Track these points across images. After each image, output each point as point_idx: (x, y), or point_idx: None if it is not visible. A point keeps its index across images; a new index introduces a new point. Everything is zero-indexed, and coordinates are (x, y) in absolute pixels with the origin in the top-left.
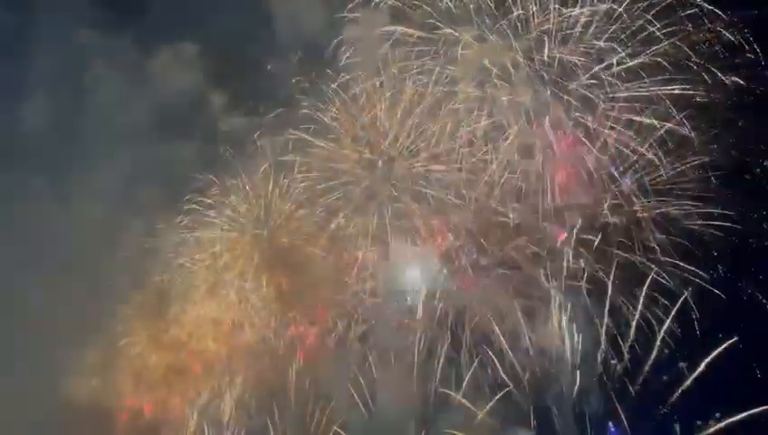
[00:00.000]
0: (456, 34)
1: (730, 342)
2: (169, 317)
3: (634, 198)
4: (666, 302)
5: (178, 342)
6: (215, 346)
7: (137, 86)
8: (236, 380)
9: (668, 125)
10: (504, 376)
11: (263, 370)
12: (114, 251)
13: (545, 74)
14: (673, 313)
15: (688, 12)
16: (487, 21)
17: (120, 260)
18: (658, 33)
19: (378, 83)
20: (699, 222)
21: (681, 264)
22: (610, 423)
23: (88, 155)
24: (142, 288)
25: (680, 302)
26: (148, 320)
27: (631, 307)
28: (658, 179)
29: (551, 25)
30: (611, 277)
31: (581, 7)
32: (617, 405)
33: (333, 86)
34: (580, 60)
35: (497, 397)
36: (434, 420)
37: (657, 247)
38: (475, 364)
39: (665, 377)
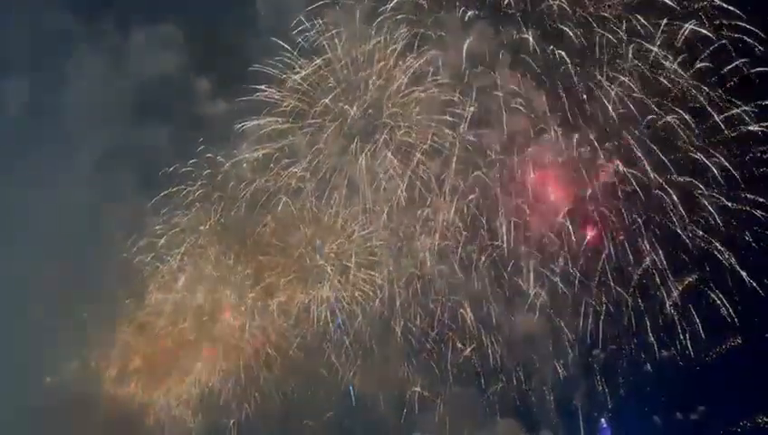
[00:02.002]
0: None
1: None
2: (150, 305)
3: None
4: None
5: (159, 330)
6: (196, 335)
7: (116, 69)
8: (217, 368)
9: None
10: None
11: (243, 360)
12: (91, 237)
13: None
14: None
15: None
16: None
17: (98, 246)
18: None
19: (362, 71)
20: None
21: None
22: (603, 420)
23: (65, 138)
24: (122, 275)
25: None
26: (127, 308)
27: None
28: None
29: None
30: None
31: None
32: (602, 396)
33: (316, 75)
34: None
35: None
36: (416, 412)
37: (642, 244)
38: (461, 356)
39: (648, 367)
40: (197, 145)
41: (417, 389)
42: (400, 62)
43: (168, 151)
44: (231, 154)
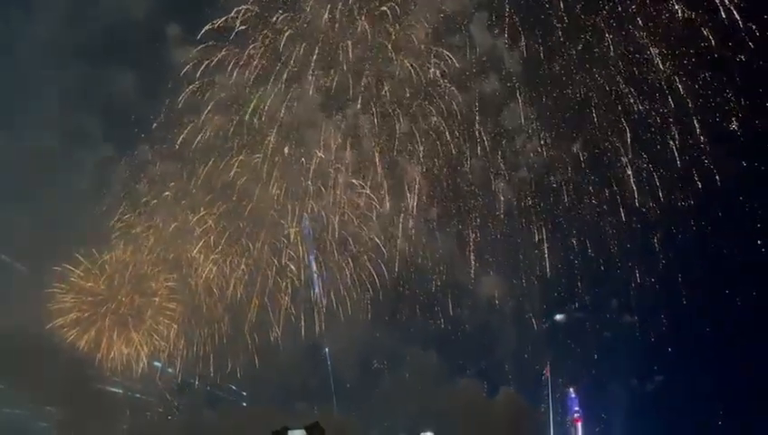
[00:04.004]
0: None
1: None
2: (117, 259)
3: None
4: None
5: (126, 284)
6: (162, 292)
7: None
8: (191, 328)
9: None
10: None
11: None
12: (55, 184)
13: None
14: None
15: None
16: None
17: (63, 195)
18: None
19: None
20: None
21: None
22: (571, 390)
23: (29, 79)
24: (87, 227)
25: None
26: (94, 256)
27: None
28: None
29: None
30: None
31: None
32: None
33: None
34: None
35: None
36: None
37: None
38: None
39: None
40: (166, 95)
41: (384, 351)
42: (377, 27)
43: (135, 98)
44: (199, 110)
